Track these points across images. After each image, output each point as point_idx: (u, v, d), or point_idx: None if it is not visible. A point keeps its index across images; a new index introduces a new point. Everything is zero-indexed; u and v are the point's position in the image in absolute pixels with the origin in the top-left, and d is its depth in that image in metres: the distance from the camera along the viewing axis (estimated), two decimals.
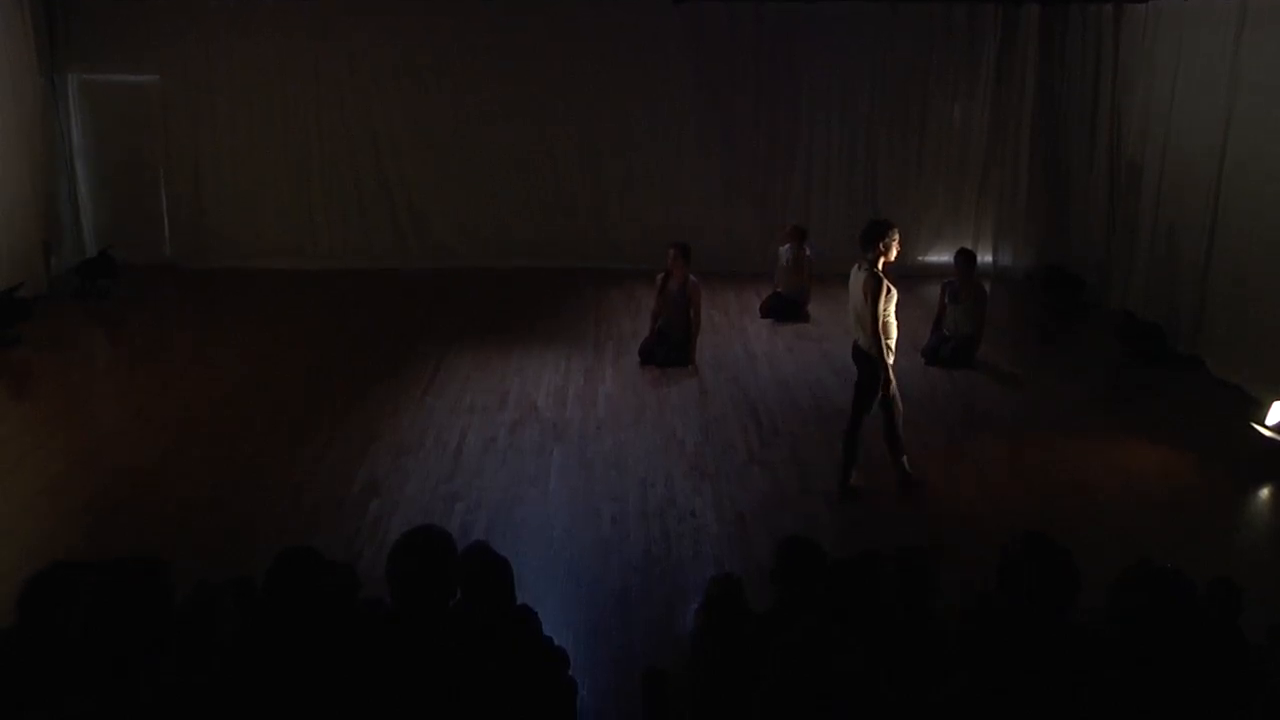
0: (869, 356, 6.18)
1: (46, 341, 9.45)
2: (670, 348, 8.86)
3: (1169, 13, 9.78)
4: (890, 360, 6.17)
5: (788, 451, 7.16)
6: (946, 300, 9.10)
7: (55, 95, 11.63)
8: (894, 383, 6.25)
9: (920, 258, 12.33)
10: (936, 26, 12.00)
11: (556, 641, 3.80)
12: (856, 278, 6.17)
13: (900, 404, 6.36)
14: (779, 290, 10.53)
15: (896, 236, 6.12)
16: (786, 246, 10.52)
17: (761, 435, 7.45)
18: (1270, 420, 7.37)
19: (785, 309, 10.36)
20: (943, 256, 11.86)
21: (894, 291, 6.08)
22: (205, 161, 12.05)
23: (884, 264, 6.09)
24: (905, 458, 6.47)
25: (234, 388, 8.33)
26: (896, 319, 6.17)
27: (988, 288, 9.81)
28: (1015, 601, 3.55)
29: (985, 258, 11.77)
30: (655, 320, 9.05)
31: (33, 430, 7.49)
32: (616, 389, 8.34)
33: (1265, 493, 6.81)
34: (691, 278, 8.90)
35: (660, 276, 9.01)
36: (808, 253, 10.45)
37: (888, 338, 6.09)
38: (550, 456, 7.01)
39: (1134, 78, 10.48)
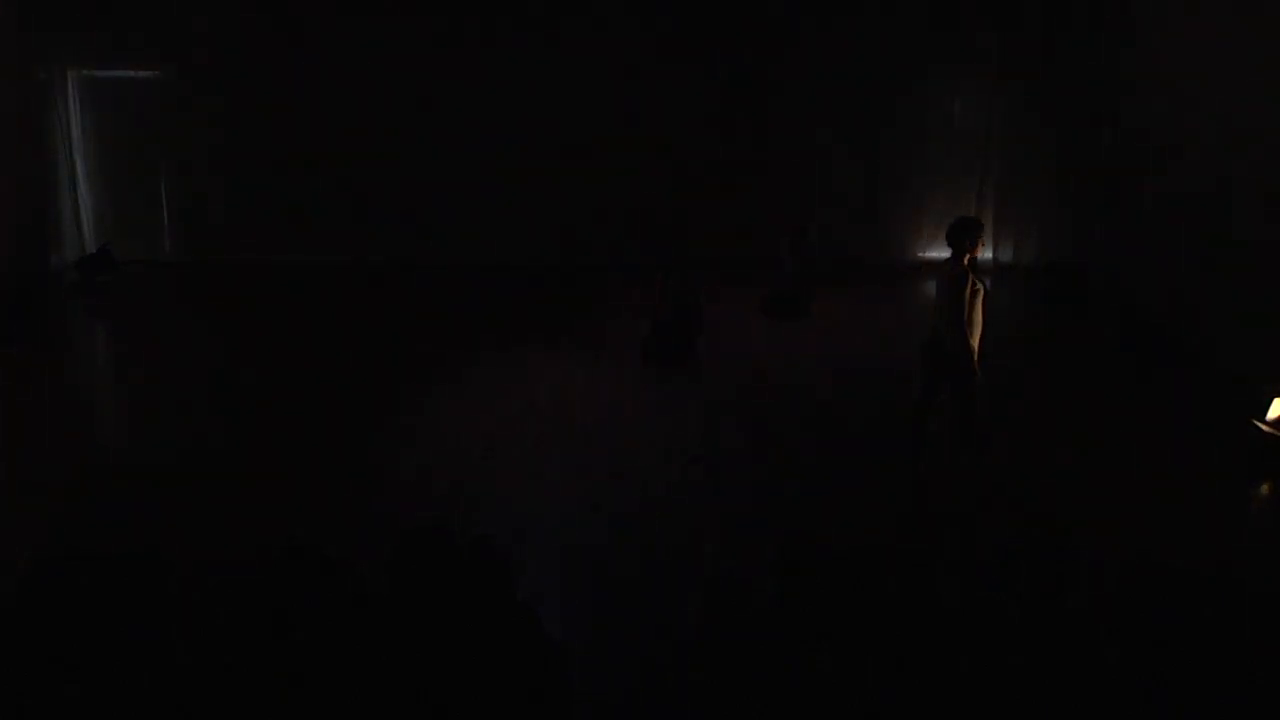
0: (946, 351, 6.22)
1: (46, 337, 9.45)
2: (671, 345, 8.86)
3: (1172, 5, 9.77)
4: (975, 355, 6.22)
5: (789, 449, 7.16)
6: None
7: (55, 92, 11.62)
8: (979, 374, 6.24)
9: (921, 254, 12.38)
10: (938, 19, 11.98)
11: (556, 638, 3.80)
12: (943, 272, 6.25)
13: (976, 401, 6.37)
14: (780, 287, 10.52)
15: (982, 235, 6.34)
16: (788, 243, 10.51)
17: (762, 433, 7.45)
18: (1270, 416, 7.37)
19: (786, 306, 10.36)
20: (943, 252, 11.86)
21: (980, 288, 6.14)
22: (205, 156, 12.04)
23: (969, 260, 6.15)
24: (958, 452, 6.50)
25: (232, 383, 8.33)
26: (983, 316, 6.23)
27: (989, 284, 9.81)
28: (1015, 594, 3.56)
29: (986, 254, 11.77)
30: (656, 318, 9.06)
31: (33, 425, 7.49)
32: (617, 387, 8.34)
33: (1265, 489, 6.81)
34: (693, 275, 8.90)
35: (661, 274, 9.01)
36: (809, 250, 10.45)
37: (972, 335, 6.12)
38: (550, 453, 7.01)
39: (1137, 71, 10.47)
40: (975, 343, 6.19)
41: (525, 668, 3.33)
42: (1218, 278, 8.81)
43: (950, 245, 6.27)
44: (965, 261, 6.18)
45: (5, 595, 3.65)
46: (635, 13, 11.91)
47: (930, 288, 9.83)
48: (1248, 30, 8.45)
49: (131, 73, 11.91)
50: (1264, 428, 7.26)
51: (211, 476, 6.58)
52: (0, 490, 6.42)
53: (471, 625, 3.30)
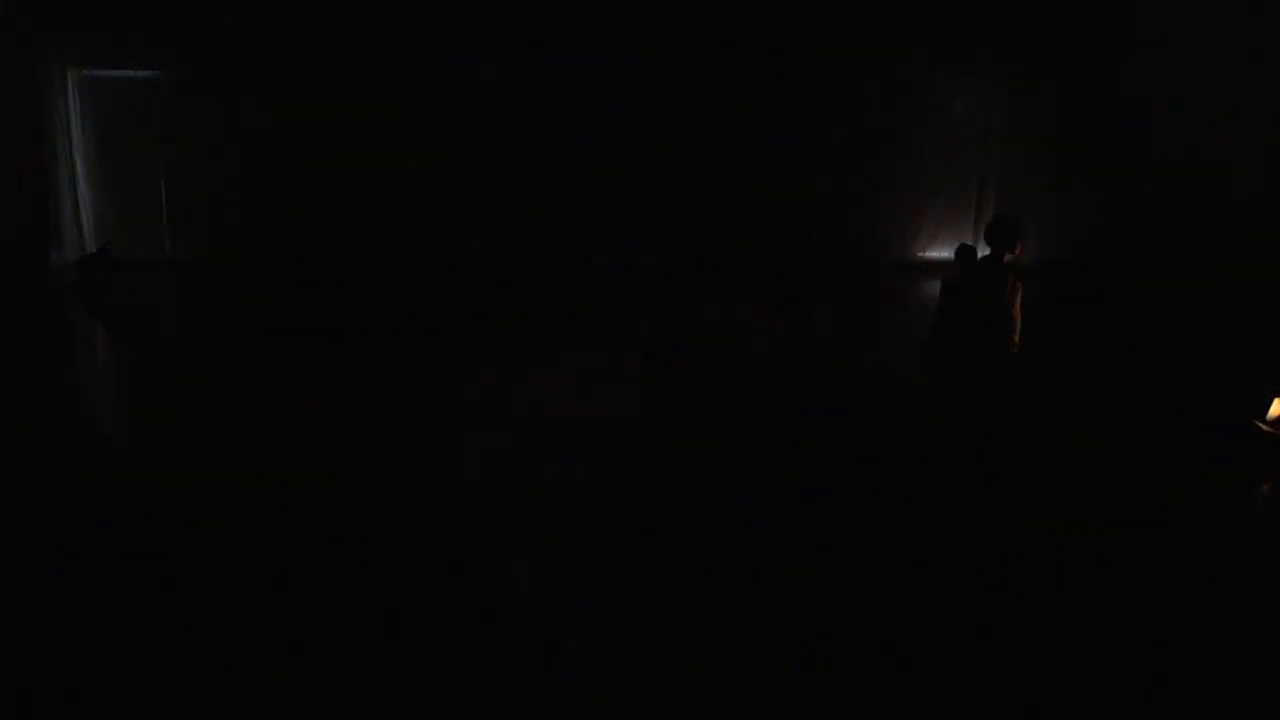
0: (976, 350, 6.27)
1: (45, 337, 9.46)
2: (671, 345, 8.87)
3: (1171, 3, 9.78)
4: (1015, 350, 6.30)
5: (789, 449, 7.16)
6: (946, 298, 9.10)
7: (55, 92, 11.62)
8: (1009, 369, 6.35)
9: (921, 254, 12.39)
10: (939, 19, 11.97)
11: (555, 636, 3.81)
12: (984, 272, 6.31)
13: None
14: (780, 287, 10.52)
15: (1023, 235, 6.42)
16: (788, 243, 10.51)
17: (763, 433, 7.46)
18: (1270, 416, 7.37)
19: (786, 306, 10.35)
20: (943, 252, 11.89)
21: (1020, 286, 6.21)
22: (205, 156, 12.04)
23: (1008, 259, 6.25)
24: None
25: (232, 383, 8.33)
26: (1020, 314, 6.29)
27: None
28: (1015, 594, 3.56)
29: (985, 252, 11.76)
30: (659, 318, 9.06)
31: (32, 425, 7.49)
32: (617, 386, 8.34)
33: (1265, 489, 6.81)
34: (694, 274, 8.91)
35: (664, 274, 9.03)
36: (809, 249, 10.44)
37: (1012, 331, 6.19)
38: (549, 453, 7.01)
39: (1138, 66, 10.46)
40: (1016, 338, 6.27)
41: (525, 668, 3.34)
42: (1218, 276, 8.82)
43: (990, 245, 6.34)
44: (1004, 260, 6.26)
45: (6, 595, 3.66)
46: (637, 12, 11.89)
47: (932, 287, 9.84)
48: (1248, 28, 8.44)
49: (131, 73, 11.91)
50: (1264, 428, 7.27)
51: (211, 477, 6.57)
52: (0, 490, 6.42)
53: (471, 625, 3.30)
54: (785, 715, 3.78)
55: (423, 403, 7.87)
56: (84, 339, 10.16)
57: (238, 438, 7.20)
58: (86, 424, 7.70)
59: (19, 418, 7.72)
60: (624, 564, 5.59)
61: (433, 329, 9.80)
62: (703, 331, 9.04)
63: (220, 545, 5.59)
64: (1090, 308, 10.67)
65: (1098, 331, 9.89)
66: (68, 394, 8.33)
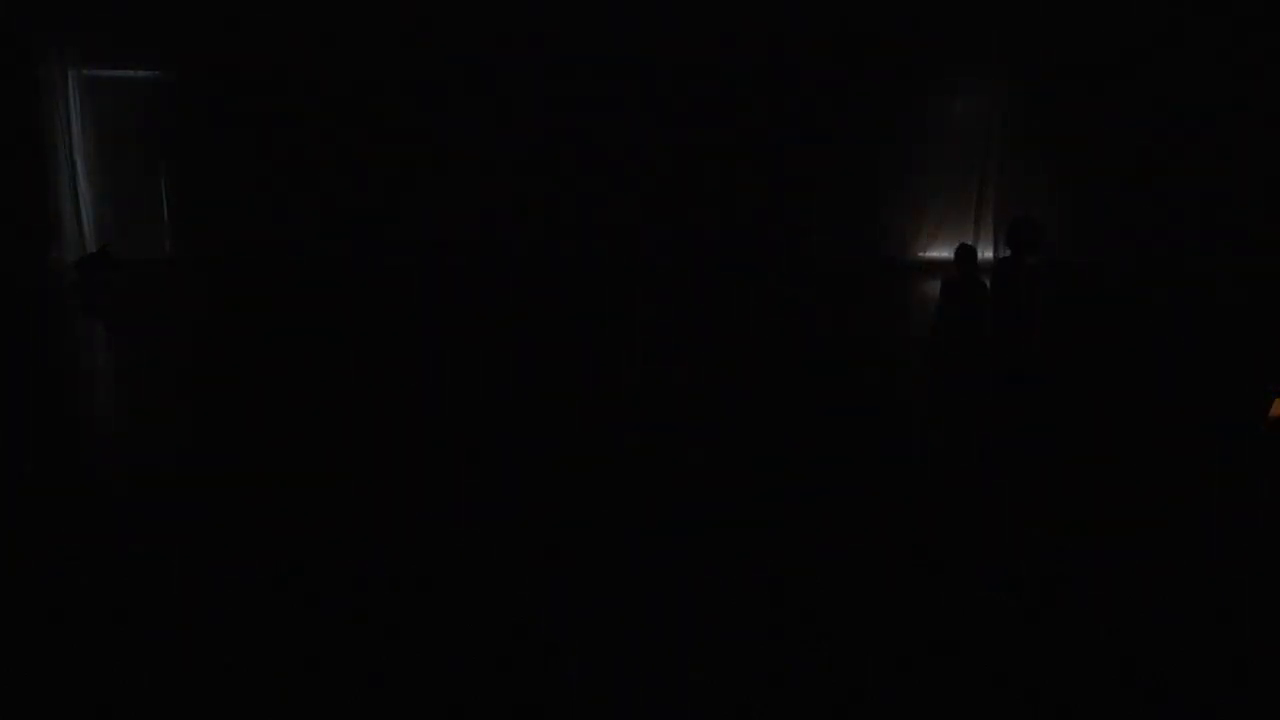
0: (994, 347, 6.38)
1: (46, 337, 9.46)
2: (674, 345, 8.89)
3: (1166, 3, 9.79)
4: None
5: (791, 450, 7.16)
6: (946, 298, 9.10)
7: (55, 92, 11.64)
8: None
9: (921, 254, 12.40)
10: (939, 16, 11.98)
11: (556, 634, 3.80)
12: (1002, 274, 6.38)
13: None
14: (784, 287, 10.54)
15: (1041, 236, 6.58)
16: (787, 240, 10.53)
17: (764, 434, 7.46)
18: (1270, 416, 7.36)
19: (789, 305, 10.38)
20: (943, 252, 11.90)
21: (1039, 289, 6.33)
22: (205, 156, 12.06)
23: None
24: None
25: (232, 383, 8.34)
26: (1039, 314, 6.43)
27: (988, 284, 9.82)
28: (1015, 594, 3.56)
29: (986, 253, 11.79)
30: (661, 317, 9.07)
31: (32, 426, 7.49)
32: (616, 386, 8.34)
33: (1266, 489, 6.80)
34: (695, 273, 8.91)
35: (665, 273, 9.03)
36: (812, 249, 10.47)
37: (1034, 331, 6.30)
38: (548, 453, 7.01)
39: (1136, 63, 10.48)
40: (1035, 337, 6.38)
41: (526, 668, 3.34)
42: (1219, 276, 8.83)
43: (1013, 247, 6.41)
44: (1027, 262, 6.35)
45: (6, 596, 3.66)
46: (637, 12, 11.90)
47: (932, 287, 9.84)
48: (1245, 27, 8.45)
49: (131, 73, 11.92)
50: (1264, 427, 7.26)
51: (211, 477, 6.57)
52: (0, 492, 6.42)
53: (472, 624, 3.30)
54: (785, 715, 3.79)
55: (419, 401, 7.87)
56: (84, 339, 10.16)
57: (237, 438, 7.20)
58: (86, 424, 7.70)
59: (19, 418, 7.72)
60: (625, 564, 5.59)
61: (433, 328, 9.80)
62: (705, 331, 9.03)
63: (220, 545, 5.60)
64: (1090, 308, 10.66)
65: (1097, 331, 9.89)
66: (67, 394, 8.32)
